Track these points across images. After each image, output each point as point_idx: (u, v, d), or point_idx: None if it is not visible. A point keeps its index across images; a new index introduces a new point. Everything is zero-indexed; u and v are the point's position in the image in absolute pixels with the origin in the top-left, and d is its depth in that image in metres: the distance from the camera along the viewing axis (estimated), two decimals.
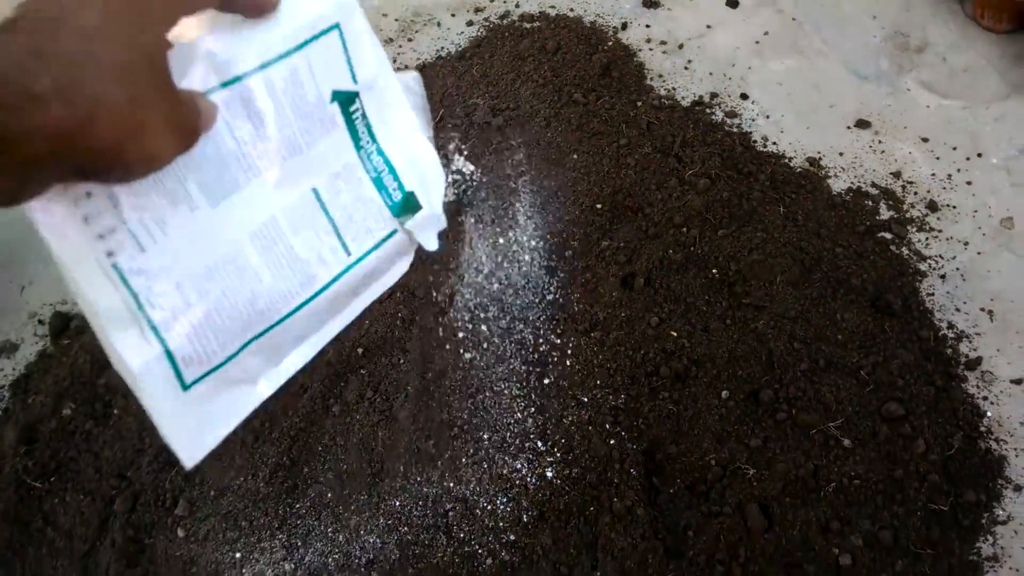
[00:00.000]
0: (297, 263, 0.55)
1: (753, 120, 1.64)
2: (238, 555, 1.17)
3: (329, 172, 0.57)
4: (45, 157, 0.34)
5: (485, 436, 1.23)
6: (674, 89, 1.70)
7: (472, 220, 1.46)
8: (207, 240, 0.50)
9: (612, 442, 1.20)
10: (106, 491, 1.23)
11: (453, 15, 1.90)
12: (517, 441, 1.22)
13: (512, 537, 1.15)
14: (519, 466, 1.20)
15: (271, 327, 0.55)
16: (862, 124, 1.62)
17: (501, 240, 1.43)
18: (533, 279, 1.38)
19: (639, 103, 1.64)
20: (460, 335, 1.33)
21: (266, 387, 0.57)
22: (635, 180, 1.49)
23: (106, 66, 0.35)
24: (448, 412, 1.26)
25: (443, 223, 0.65)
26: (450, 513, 1.18)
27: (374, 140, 0.60)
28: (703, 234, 1.41)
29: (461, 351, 1.32)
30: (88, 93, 0.34)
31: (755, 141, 1.60)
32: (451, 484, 1.20)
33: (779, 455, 1.19)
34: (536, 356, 1.30)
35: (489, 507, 1.17)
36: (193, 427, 0.52)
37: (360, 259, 0.60)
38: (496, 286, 1.38)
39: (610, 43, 1.79)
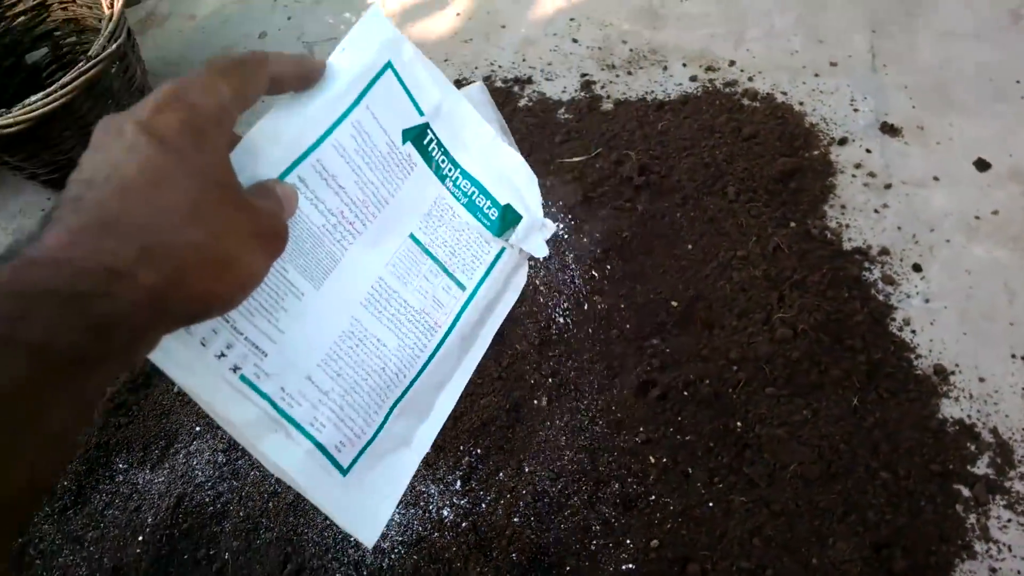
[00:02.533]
0: (415, 315, 0.55)
1: (908, 297, 1.41)
2: (197, 428, 1.35)
3: (420, 213, 0.56)
4: (149, 324, 0.33)
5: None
6: (846, 226, 1.51)
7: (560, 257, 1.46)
8: (322, 323, 0.49)
9: (516, 520, 1.18)
10: None
11: (685, 64, 1.85)
12: (445, 468, 1.25)
13: (385, 544, 1.19)
14: (432, 490, 1.23)
15: (409, 386, 0.55)
16: None
17: (564, 298, 1.42)
18: (569, 340, 1.37)
19: (792, 223, 1.49)
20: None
21: (421, 444, 0.57)
22: (725, 296, 1.38)
23: (176, 211, 0.33)
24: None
25: (548, 226, 0.64)
26: None
27: (456, 165, 0.58)
28: (749, 382, 1.28)
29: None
30: (169, 246, 0.33)
31: (892, 319, 1.38)
32: None
33: None
34: (519, 405, 1.30)
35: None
36: (364, 507, 0.52)
37: (476, 289, 0.59)
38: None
39: (815, 152, 1.63)
